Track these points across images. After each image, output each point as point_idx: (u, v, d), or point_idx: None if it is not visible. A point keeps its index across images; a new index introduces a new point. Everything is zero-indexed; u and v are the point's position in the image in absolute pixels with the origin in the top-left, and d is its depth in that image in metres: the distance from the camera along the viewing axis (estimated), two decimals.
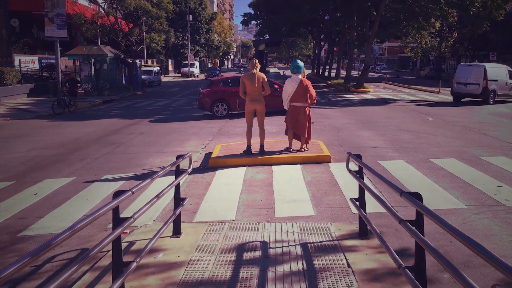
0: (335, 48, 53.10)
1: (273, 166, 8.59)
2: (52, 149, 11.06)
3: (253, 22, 53.91)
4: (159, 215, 6.01)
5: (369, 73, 42.95)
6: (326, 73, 50.87)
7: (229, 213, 6.00)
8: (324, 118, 15.87)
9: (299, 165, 8.68)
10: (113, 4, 31.35)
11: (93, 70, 27.83)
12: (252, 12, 49.75)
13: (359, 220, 5.08)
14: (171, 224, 4.99)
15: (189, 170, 5.14)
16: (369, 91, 29.26)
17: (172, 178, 5.56)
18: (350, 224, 5.49)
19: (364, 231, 5.04)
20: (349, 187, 7.03)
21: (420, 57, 66.96)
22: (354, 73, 46.93)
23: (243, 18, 50.11)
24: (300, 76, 9.05)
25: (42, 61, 31.78)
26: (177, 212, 4.80)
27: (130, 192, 3.04)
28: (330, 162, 8.87)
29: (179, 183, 4.99)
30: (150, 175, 7.80)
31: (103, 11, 30.56)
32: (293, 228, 5.34)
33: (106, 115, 18.61)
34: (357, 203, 4.96)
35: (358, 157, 4.92)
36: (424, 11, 28.36)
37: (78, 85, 20.57)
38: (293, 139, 9.41)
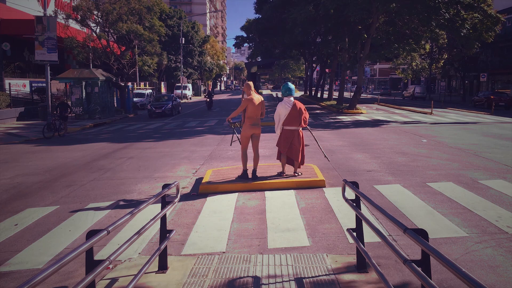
0: (327, 70, 53.45)
1: (266, 192, 8.30)
2: (37, 175, 10.70)
3: (246, 44, 54.26)
4: (145, 247, 5.67)
5: (361, 94, 43.05)
6: (319, 95, 51.05)
7: (219, 244, 5.68)
8: (318, 140, 15.62)
9: (292, 190, 8.39)
10: (105, 28, 31.36)
11: (84, 93, 27.59)
12: (245, 35, 50.07)
13: (357, 252, 4.78)
14: (157, 258, 4.68)
15: (176, 200, 4.84)
16: (361, 113, 29.22)
17: (159, 204, 5.26)
18: (347, 256, 5.19)
19: (362, 263, 4.74)
20: (345, 214, 6.76)
21: (411, 79, 67.58)
22: (346, 94, 47.11)
23: (235, 41, 50.39)
24: (292, 99, 8.86)
25: (33, 84, 31.56)
26: (163, 246, 4.48)
27: (106, 232, 2.74)
28: (325, 187, 8.60)
29: (165, 215, 4.69)
30: (135, 204, 7.50)
31: (95, 35, 30.54)
32: (287, 260, 5.03)
33: (96, 139, 18.28)
34: (354, 234, 4.68)
35: (354, 185, 4.67)
36: (415, 34, 28.60)
37: (69, 109, 20.26)
38: (286, 164, 9.17)
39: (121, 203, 7.91)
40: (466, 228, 6.03)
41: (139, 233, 3.49)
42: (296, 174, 9.04)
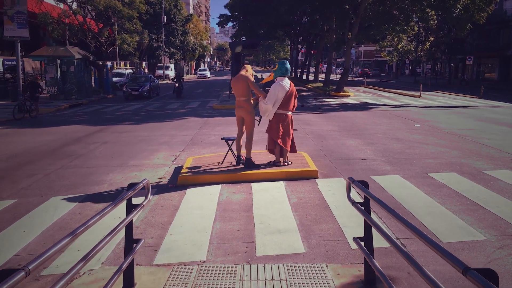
0: (312, 51, 52.39)
1: (253, 184, 7.43)
2: (0, 162, 9.65)
3: (230, 24, 52.75)
4: (110, 254, 4.77)
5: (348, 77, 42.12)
6: (304, 77, 50.09)
7: (199, 250, 4.81)
8: (306, 124, 14.81)
9: (282, 182, 7.54)
10: (81, 3, 29.72)
11: (59, 72, 26.14)
12: (229, 14, 48.55)
13: (365, 265, 3.98)
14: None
15: (145, 202, 3.93)
16: (349, 95, 28.46)
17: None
18: (351, 266, 4.38)
19: (370, 278, 3.95)
20: (343, 212, 5.95)
21: (396, 61, 67.03)
22: (332, 76, 46.21)
23: (219, 19, 48.83)
24: (288, 79, 7.97)
25: (6, 62, 29.84)
26: (126, 263, 3.58)
27: (24, 273, 1.84)
28: (317, 177, 7.78)
29: (131, 221, 3.79)
30: (104, 197, 6.47)
31: (71, 10, 28.91)
32: (279, 273, 4.20)
33: (70, 121, 17.14)
34: (362, 243, 3.86)
35: (363, 184, 3.82)
36: (404, 14, 27.74)
37: (40, 89, 18.91)
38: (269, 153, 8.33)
39: (88, 196, 6.96)
40: (482, 230, 5.28)
41: (85, 259, 2.59)
42: (287, 163, 8.18)
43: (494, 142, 11.25)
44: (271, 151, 8.22)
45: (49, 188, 7.49)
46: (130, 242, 3.84)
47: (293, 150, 8.33)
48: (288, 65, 8.02)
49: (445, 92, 33.27)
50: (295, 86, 8.28)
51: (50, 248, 2.12)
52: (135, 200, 3.87)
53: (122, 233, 5.00)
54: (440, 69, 64.09)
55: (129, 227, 3.82)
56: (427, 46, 52.17)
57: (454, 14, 22.86)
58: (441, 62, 61.78)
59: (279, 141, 7.88)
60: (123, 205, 3.74)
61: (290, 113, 8.03)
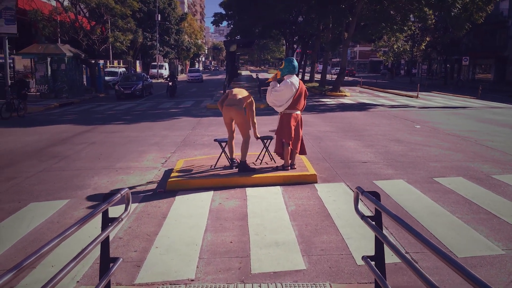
0: (308, 51, 51.94)
1: (248, 189, 6.93)
2: None
3: (224, 23, 52.17)
4: (87, 271, 4.25)
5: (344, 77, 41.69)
6: (300, 76, 49.60)
7: (187, 266, 4.31)
8: (303, 125, 14.31)
9: (279, 187, 7.05)
10: (73, 0, 29.09)
11: (49, 70, 25.50)
12: (223, 12, 47.98)
13: (375, 287, 3.49)
14: None
15: (124, 216, 3.42)
16: (346, 95, 28.02)
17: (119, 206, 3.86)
18: (358, 286, 3.89)
19: None
20: (346, 220, 5.46)
21: (392, 61, 66.78)
22: (327, 76, 45.77)
23: (214, 18, 48.24)
24: (296, 77, 7.50)
25: None
26: (104, 283, 3.08)
27: None
28: (317, 182, 7.30)
29: (107, 237, 3.29)
30: (89, 200, 5.92)
31: (62, 8, 28.28)
32: None
33: (59, 120, 16.54)
34: (373, 263, 3.37)
35: (374, 195, 3.33)
36: (402, 13, 27.35)
37: (27, 87, 18.29)
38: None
39: (69, 202, 6.42)
40: (499, 243, 4.81)
41: (52, 281, 2.08)
42: (295, 167, 7.73)
43: (498, 144, 10.82)
44: (279, 154, 7.73)
45: (29, 192, 6.95)
46: (106, 262, 3.33)
47: (303, 152, 7.88)
48: (296, 63, 7.54)
49: (442, 92, 32.94)
50: None
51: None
52: (113, 212, 3.38)
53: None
54: (435, 69, 63.81)
55: (105, 244, 3.32)
56: (423, 47, 51.88)
57: (452, 14, 22.47)
58: (436, 62, 61.50)
59: (290, 143, 7.40)
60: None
61: (299, 113, 7.60)
